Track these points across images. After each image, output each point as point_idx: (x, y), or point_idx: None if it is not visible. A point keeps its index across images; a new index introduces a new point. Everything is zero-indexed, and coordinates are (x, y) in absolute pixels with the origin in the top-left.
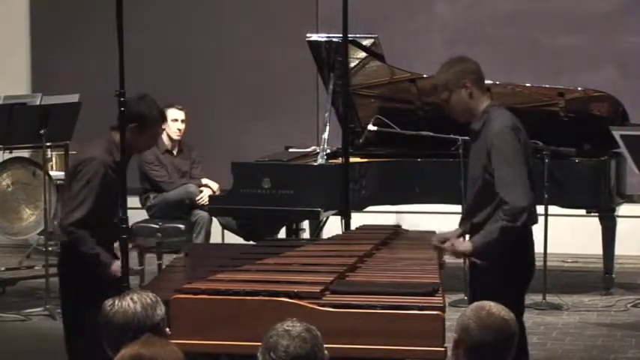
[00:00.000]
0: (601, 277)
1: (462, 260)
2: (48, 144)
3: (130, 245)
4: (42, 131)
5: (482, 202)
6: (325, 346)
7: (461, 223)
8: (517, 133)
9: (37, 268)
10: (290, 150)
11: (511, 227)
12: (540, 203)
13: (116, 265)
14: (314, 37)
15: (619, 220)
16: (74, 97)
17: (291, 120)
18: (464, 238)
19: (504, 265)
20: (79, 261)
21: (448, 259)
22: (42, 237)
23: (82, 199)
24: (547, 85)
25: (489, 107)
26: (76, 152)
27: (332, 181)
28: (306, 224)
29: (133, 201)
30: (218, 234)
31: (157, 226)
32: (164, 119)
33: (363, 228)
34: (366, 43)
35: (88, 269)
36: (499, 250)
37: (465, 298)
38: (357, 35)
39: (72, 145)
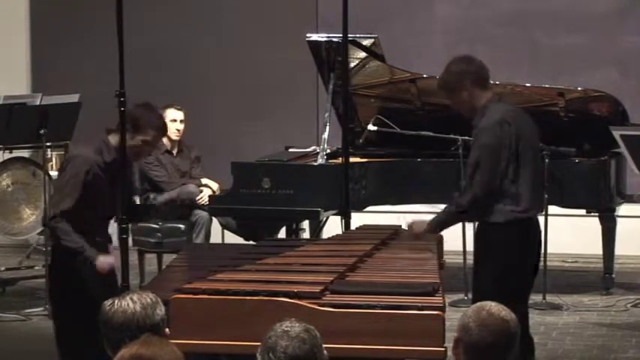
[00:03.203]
0: (601, 277)
1: (462, 260)
2: (48, 144)
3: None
4: (42, 131)
5: None
6: (325, 346)
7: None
8: (504, 127)
9: (37, 268)
10: (290, 150)
11: (458, 213)
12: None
13: (101, 261)
14: (314, 37)
15: (619, 220)
16: (74, 97)
17: (291, 120)
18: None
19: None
20: (69, 262)
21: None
22: (42, 237)
23: (66, 193)
24: (547, 85)
25: (488, 103)
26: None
27: (332, 181)
28: (306, 224)
29: None
30: (218, 234)
31: (157, 226)
32: (160, 128)
33: (363, 228)
34: (366, 43)
35: (77, 270)
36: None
37: (465, 298)
38: (357, 35)
39: (71, 146)
